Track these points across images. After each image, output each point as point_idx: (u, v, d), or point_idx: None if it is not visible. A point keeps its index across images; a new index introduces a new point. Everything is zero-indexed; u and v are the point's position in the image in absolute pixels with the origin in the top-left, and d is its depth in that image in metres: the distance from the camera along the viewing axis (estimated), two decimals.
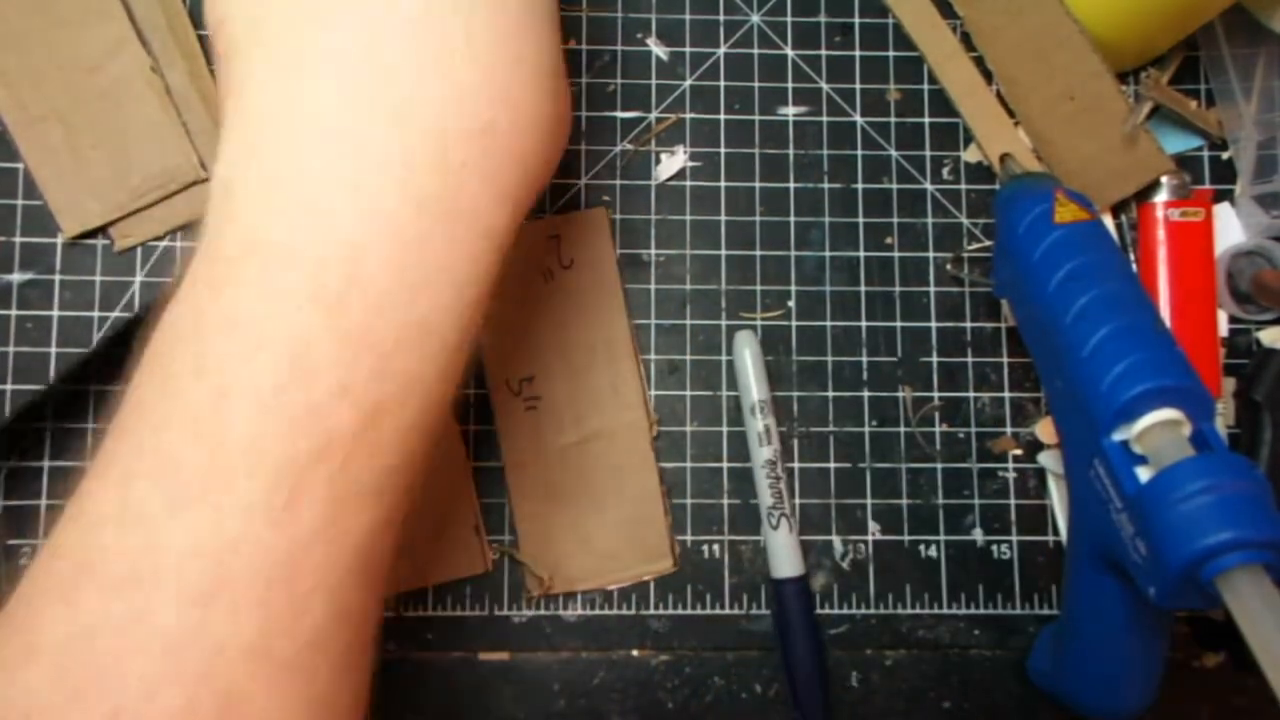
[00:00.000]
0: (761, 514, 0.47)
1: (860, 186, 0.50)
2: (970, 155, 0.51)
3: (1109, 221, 0.50)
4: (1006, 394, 0.49)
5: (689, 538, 0.48)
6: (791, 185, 0.50)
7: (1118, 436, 0.35)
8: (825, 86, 0.51)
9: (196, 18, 0.49)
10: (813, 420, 0.49)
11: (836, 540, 0.48)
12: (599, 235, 0.49)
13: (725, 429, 0.48)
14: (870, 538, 0.48)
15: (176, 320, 0.31)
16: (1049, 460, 0.48)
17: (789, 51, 0.51)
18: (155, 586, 0.27)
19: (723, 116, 0.50)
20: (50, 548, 0.29)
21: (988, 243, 0.50)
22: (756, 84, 0.50)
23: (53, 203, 0.47)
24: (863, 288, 0.50)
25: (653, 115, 0.50)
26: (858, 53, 0.51)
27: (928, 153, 0.51)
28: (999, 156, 0.49)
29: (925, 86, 0.51)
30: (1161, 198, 0.49)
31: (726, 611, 0.48)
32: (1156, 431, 0.34)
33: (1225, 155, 0.51)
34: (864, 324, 0.49)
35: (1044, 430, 0.49)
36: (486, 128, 0.31)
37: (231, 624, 0.27)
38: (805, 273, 0.50)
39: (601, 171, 0.50)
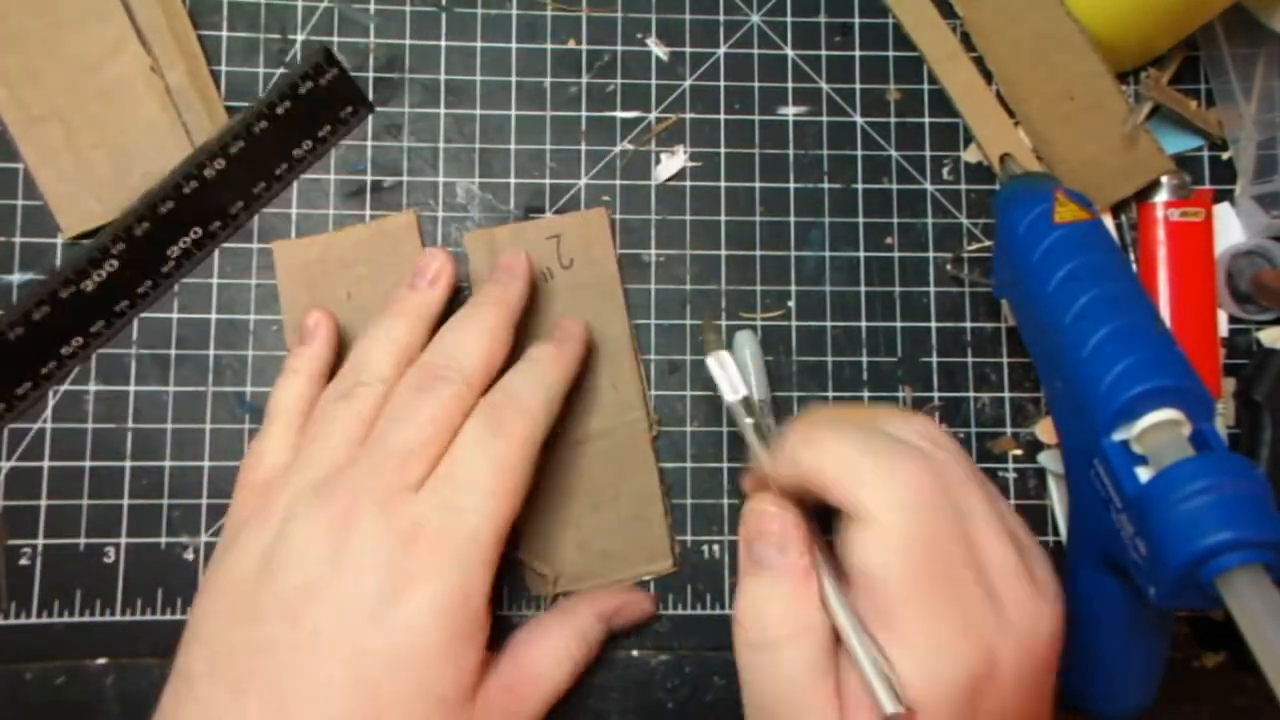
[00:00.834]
0: None
1: (860, 186, 0.50)
2: (970, 155, 0.51)
3: (1109, 221, 0.50)
4: (1006, 394, 0.49)
5: (689, 538, 0.48)
6: (791, 185, 0.50)
7: (1118, 436, 0.35)
8: (825, 86, 0.51)
9: (196, 18, 0.49)
10: None
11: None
12: (599, 235, 0.49)
13: (725, 429, 0.48)
14: None
15: None
16: (1049, 460, 0.48)
17: (789, 51, 0.51)
18: None
19: (723, 116, 0.50)
20: None
21: (988, 243, 0.50)
22: (756, 84, 0.50)
23: (53, 202, 0.47)
24: (863, 288, 0.50)
25: (653, 115, 0.50)
26: (858, 53, 0.51)
27: (928, 153, 0.51)
28: (999, 156, 0.49)
29: (925, 86, 0.51)
30: (1161, 198, 0.49)
31: (726, 611, 0.48)
32: (1156, 431, 0.34)
33: (1225, 155, 0.51)
34: (864, 324, 0.49)
35: (1044, 430, 0.49)
36: None
37: None
38: (805, 273, 0.50)
39: (601, 171, 0.50)
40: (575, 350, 0.45)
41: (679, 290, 0.49)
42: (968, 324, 0.50)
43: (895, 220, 0.50)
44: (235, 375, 0.48)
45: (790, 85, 0.51)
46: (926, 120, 0.51)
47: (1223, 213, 0.50)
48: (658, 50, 0.50)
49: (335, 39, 0.49)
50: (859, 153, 0.50)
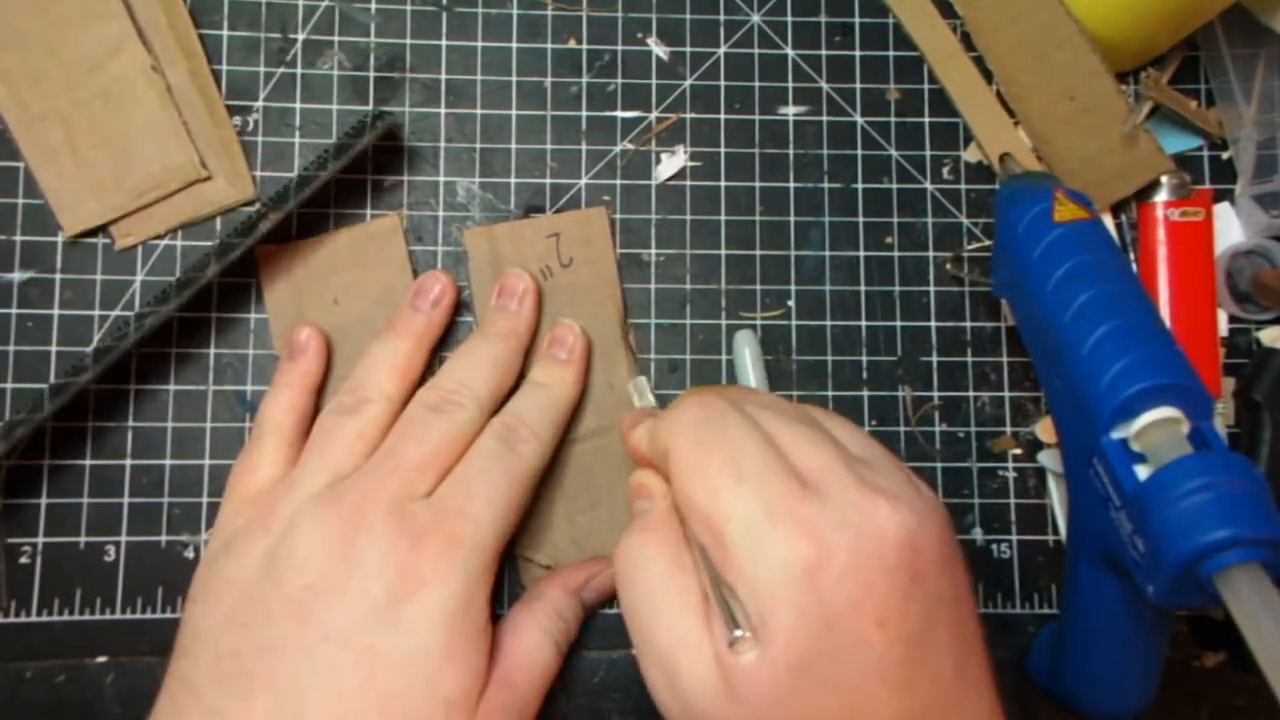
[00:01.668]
0: None
1: (860, 186, 0.50)
2: (970, 155, 0.51)
3: (1109, 221, 0.50)
4: (1006, 393, 0.49)
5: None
6: (791, 185, 0.50)
7: (1117, 435, 0.35)
8: (825, 86, 0.51)
9: (197, 16, 0.49)
10: None
11: None
12: (599, 234, 0.49)
13: None
14: None
15: None
16: (1048, 459, 0.48)
17: (789, 51, 0.51)
18: None
19: (723, 116, 0.50)
20: None
21: (987, 242, 0.50)
22: (756, 84, 0.51)
23: (53, 202, 0.47)
24: (862, 287, 0.50)
25: (653, 115, 0.50)
26: (858, 53, 0.51)
27: (928, 152, 0.51)
28: (999, 156, 0.49)
29: (925, 86, 0.51)
30: (1161, 197, 0.49)
31: None
32: (1155, 429, 0.34)
33: (1225, 155, 0.51)
34: (864, 323, 0.49)
35: (1044, 429, 0.49)
36: None
37: None
38: (805, 272, 0.50)
39: (601, 171, 0.50)
40: (579, 371, 0.47)
41: (679, 290, 0.49)
42: (968, 323, 0.50)
43: (895, 220, 0.50)
44: (235, 374, 0.48)
45: (790, 85, 0.51)
46: (926, 120, 0.51)
47: (1223, 213, 0.50)
48: (658, 50, 0.50)
49: (335, 38, 0.49)
50: (859, 152, 0.50)
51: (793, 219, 0.50)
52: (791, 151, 0.50)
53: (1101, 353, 0.36)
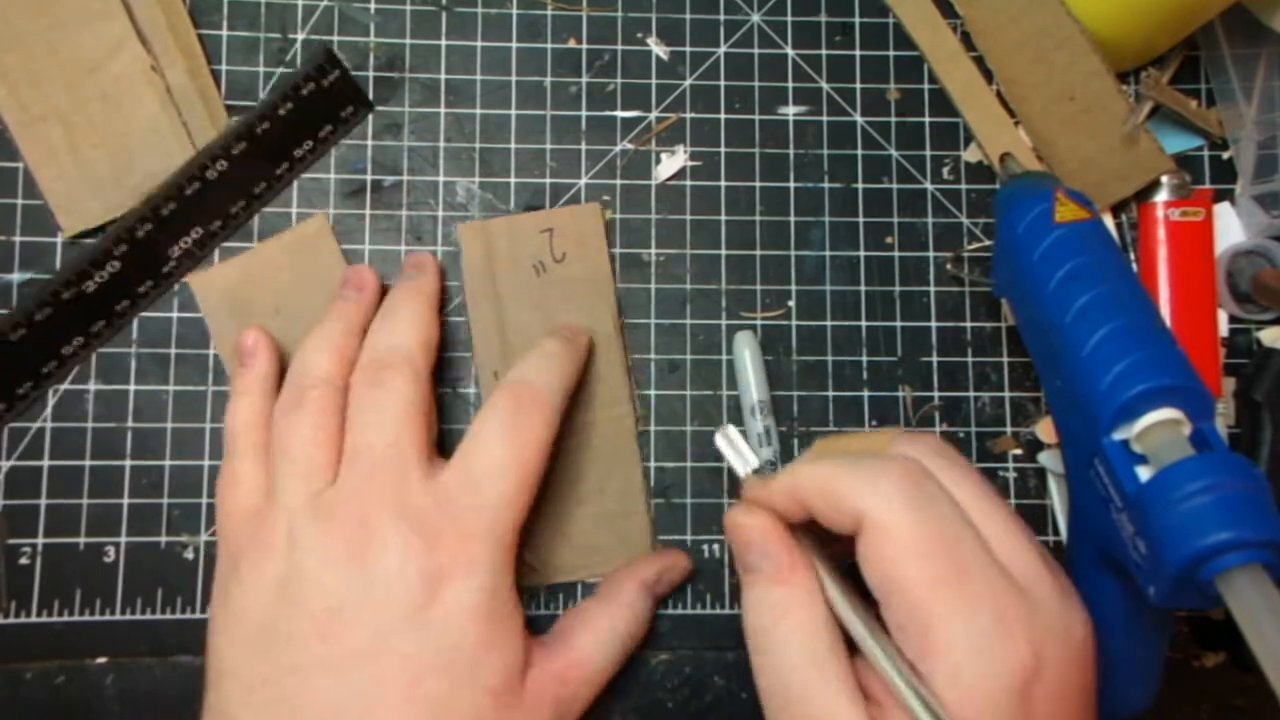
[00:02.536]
0: None
1: (860, 186, 0.50)
2: (970, 155, 0.51)
3: (1109, 221, 0.50)
4: (1007, 393, 0.49)
5: (689, 538, 0.48)
6: (791, 185, 0.50)
7: (1118, 436, 0.35)
8: (825, 86, 0.51)
9: (196, 16, 0.49)
10: (813, 420, 0.49)
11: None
12: (592, 230, 0.49)
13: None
14: None
15: None
16: (1049, 460, 0.48)
17: (789, 51, 0.51)
18: None
19: (723, 116, 0.50)
20: None
21: (988, 242, 0.50)
22: (756, 84, 0.50)
23: (53, 202, 0.47)
24: (863, 287, 0.50)
25: (653, 115, 0.50)
26: (858, 52, 0.51)
27: (928, 152, 0.51)
28: (999, 156, 0.49)
29: (925, 86, 0.51)
30: (1162, 197, 0.49)
31: (727, 611, 0.48)
32: (1156, 431, 0.34)
33: (1225, 155, 0.51)
34: (864, 324, 0.49)
35: (1044, 430, 0.49)
36: None
37: None
38: (805, 272, 0.50)
39: (601, 171, 0.50)
40: (584, 345, 0.46)
41: (679, 290, 0.49)
42: (968, 323, 0.50)
43: (895, 220, 0.50)
44: None
45: (790, 85, 0.51)
46: (927, 120, 0.51)
47: (1223, 213, 0.50)
48: (658, 50, 0.50)
49: (335, 38, 0.49)
50: (859, 152, 0.50)
51: (793, 219, 0.50)
52: (791, 151, 0.50)
53: (1102, 354, 0.36)
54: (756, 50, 0.51)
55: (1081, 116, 0.49)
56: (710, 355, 0.49)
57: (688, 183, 0.50)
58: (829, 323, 0.49)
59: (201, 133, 0.48)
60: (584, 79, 0.50)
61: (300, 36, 0.49)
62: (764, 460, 0.47)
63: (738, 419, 0.48)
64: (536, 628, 0.46)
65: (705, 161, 0.50)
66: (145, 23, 0.47)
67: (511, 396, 0.41)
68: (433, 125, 0.49)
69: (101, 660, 0.46)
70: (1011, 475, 0.49)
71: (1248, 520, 0.31)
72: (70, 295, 0.45)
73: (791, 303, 0.49)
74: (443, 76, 0.50)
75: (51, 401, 0.47)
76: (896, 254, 0.50)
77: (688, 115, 0.50)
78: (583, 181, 0.49)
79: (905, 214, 0.50)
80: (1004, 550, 0.34)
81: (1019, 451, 0.49)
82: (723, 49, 0.50)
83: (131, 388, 0.47)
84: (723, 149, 0.50)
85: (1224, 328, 0.50)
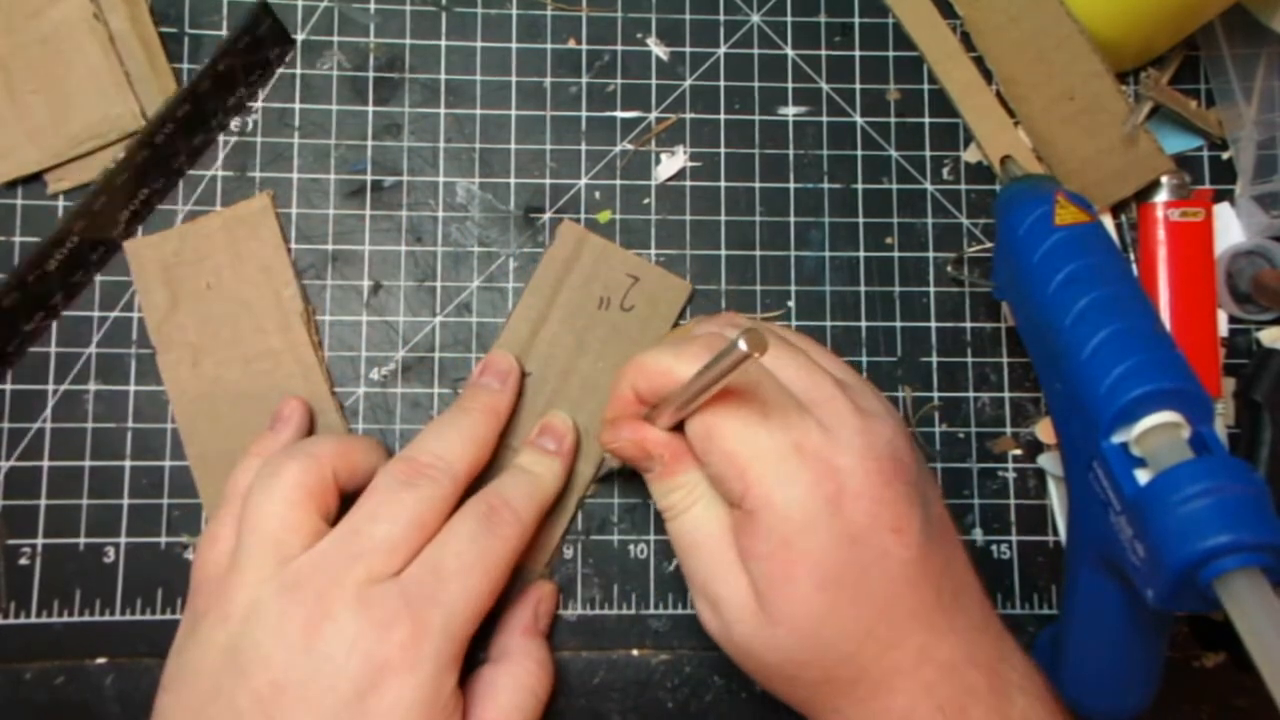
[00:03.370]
0: None
1: (860, 187, 0.50)
2: (970, 155, 0.50)
3: (1109, 221, 0.50)
4: (1006, 394, 0.49)
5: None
6: (791, 185, 0.50)
7: (1117, 439, 0.35)
8: (825, 86, 0.51)
9: (197, 17, 0.49)
10: None
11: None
12: (671, 302, 0.49)
13: None
14: None
15: None
16: (1048, 462, 0.48)
17: (789, 51, 0.51)
18: None
19: (723, 116, 0.50)
20: None
21: (988, 243, 0.50)
22: (756, 84, 0.50)
23: None
24: (862, 288, 0.50)
25: (653, 115, 0.50)
26: (858, 53, 0.51)
27: (928, 153, 0.51)
28: (1000, 158, 0.49)
29: (925, 86, 0.51)
30: (1161, 198, 0.49)
31: None
32: (1155, 434, 0.34)
33: (1225, 155, 0.51)
34: (864, 324, 0.49)
35: (1044, 430, 0.49)
36: None
37: None
38: (805, 273, 0.50)
39: (601, 172, 0.50)
40: (566, 465, 0.46)
41: None
42: (968, 324, 0.50)
43: (895, 220, 0.50)
44: None
45: (790, 85, 0.51)
46: (926, 120, 0.51)
47: (1223, 213, 0.50)
48: (658, 50, 0.50)
49: (335, 38, 0.49)
50: (859, 153, 0.50)
51: (792, 219, 0.50)
52: (791, 152, 0.50)
53: (1102, 357, 0.36)
54: (756, 51, 0.51)
55: (1081, 116, 0.49)
56: None
57: (687, 183, 0.50)
58: (829, 323, 0.49)
59: (143, 81, 0.47)
60: (584, 79, 0.50)
61: (301, 37, 0.49)
62: None
63: None
64: (560, 629, 0.46)
65: (705, 162, 0.50)
66: None
67: (487, 508, 0.41)
68: (433, 126, 0.49)
69: (101, 661, 0.46)
70: (1011, 476, 0.49)
71: (1246, 523, 0.31)
72: (34, 277, 0.45)
73: (791, 303, 0.49)
74: (443, 77, 0.50)
75: (51, 401, 0.47)
76: (896, 254, 0.50)
77: (687, 116, 0.50)
78: (582, 182, 0.49)
79: (905, 214, 0.50)
80: (799, 387, 0.38)
81: (1019, 452, 0.49)
82: (722, 49, 0.50)
83: (131, 388, 0.47)
84: (722, 149, 0.50)
85: (1224, 328, 0.50)
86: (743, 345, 0.32)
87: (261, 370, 0.47)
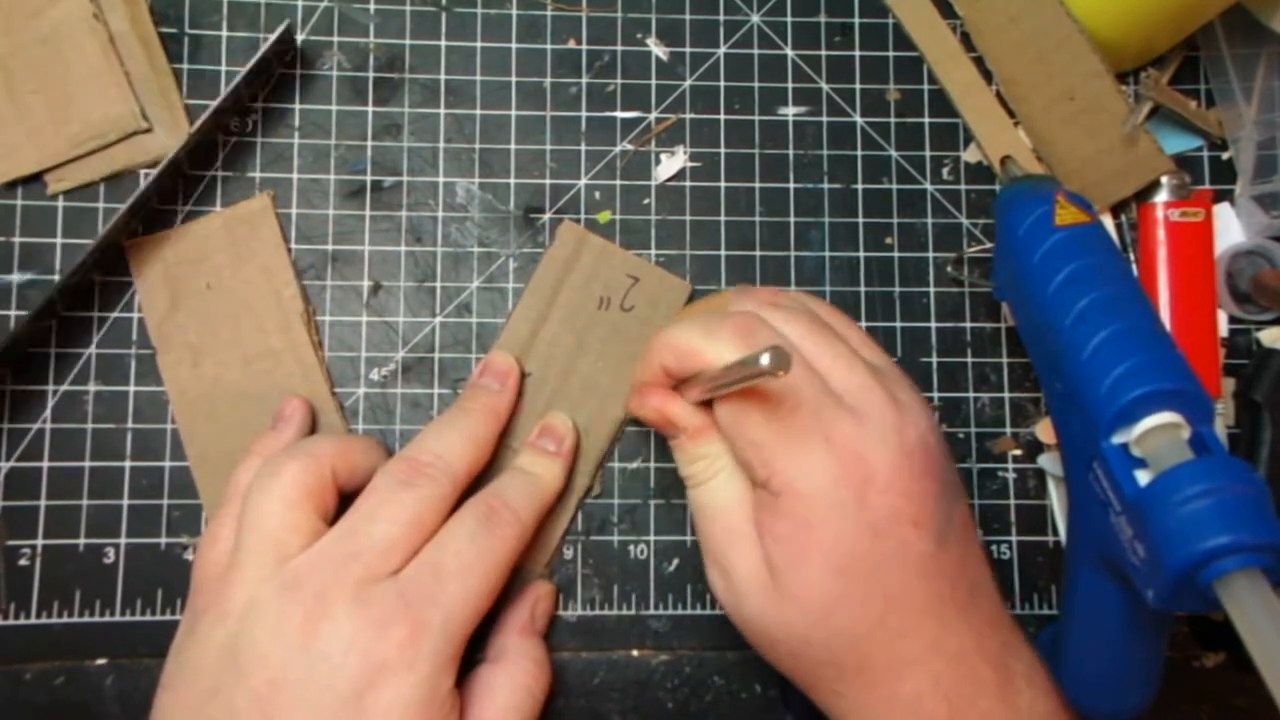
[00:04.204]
0: None
1: (860, 187, 0.50)
2: (970, 155, 0.50)
3: (1109, 222, 0.50)
4: (1006, 394, 0.49)
5: (688, 538, 0.48)
6: (791, 186, 0.50)
7: (1117, 439, 0.35)
8: (825, 86, 0.51)
9: (197, 17, 0.49)
10: None
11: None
12: (671, 303, 0.49)
13: None
14: None
15: None
16: (1048, 462, 0.48)
17: (789, 51, 0.51)
18: None
19: (723, 117, 0.50)
20: None
21: (988, 244, 0.50)
22: (756, 84, 0.50)
23: None
24: (862, 288, 0.50)
25: (653, 115, 0.50)
26: (858, 53, 0.51)
27: (927, 153, 0.50)
28: (1000, 159, 0.49)
29: (925, 86, 0.51)
30: (1161, 198, 0.49)
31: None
32: (1156, 435, 0.34)
33: (1225, 155, 0.51)
34: (864, 324, 0.49)
35: (1044, 430, 0.49)
36: None
37: None
38: (805, 273, 0.50)
39: (601, 172, 0.50)
40: (566, 465, 0.46)
41: None
42: (968, 324, 0.50)
43: (895, 220, 0.50)
44: None
45: (790, 85, 0.51)
46: (926, 120, 0.51)
47: (1223, 213, 0.50)
48: (658, 50, 0.50)
49: (335, 39, 0.49)
50: (859, 153, 0.50)
51: (792, 220, 0.50)
52: (791, 152, 0.50)
53: (1102, 357, 0.36)
54: (756, 51, 0.51)
55: (1081, 116, 0.49)
56: None
57: (687, 183, 0.50)
58: None
59: (142, 81, 0.47)
60: (584, 80, 0.50)
61: (301, 37, 0.49)
62: None
63: None
64: (559, 629, 0.46)
65: (705, 162, 0.50)
66: None
67: (487, 508, 0.41)
68: (432, 126, 0.49)
69: (101, 661, 0.46)
70: (1011, 476, 0.49)
71: (1246, 524, 0.31)
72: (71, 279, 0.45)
73: None
74: (442, 77, 0.50)
75: (51, 402, 0.47)
76: (896, 254, 0.50)
77: (687, 116, 0.50)
78: (582, 182, 0.49)
79: (905, 214, 0.50)
80: (834, 377, 0.38)
81: (1018, 452, 0.49)
82: (722, 50, 0.50)
83: (131, 389, 0.47)
84: (722, 150, 0.50)
85: (1224, 328, 0.50)
86: (765, 362, 0.31)
87: (261, 370, 0.47)
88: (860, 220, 0.50)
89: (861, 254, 0.50)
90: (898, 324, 0.50)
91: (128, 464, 0.47)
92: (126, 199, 0.46)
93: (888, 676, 0.36)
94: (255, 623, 0.37)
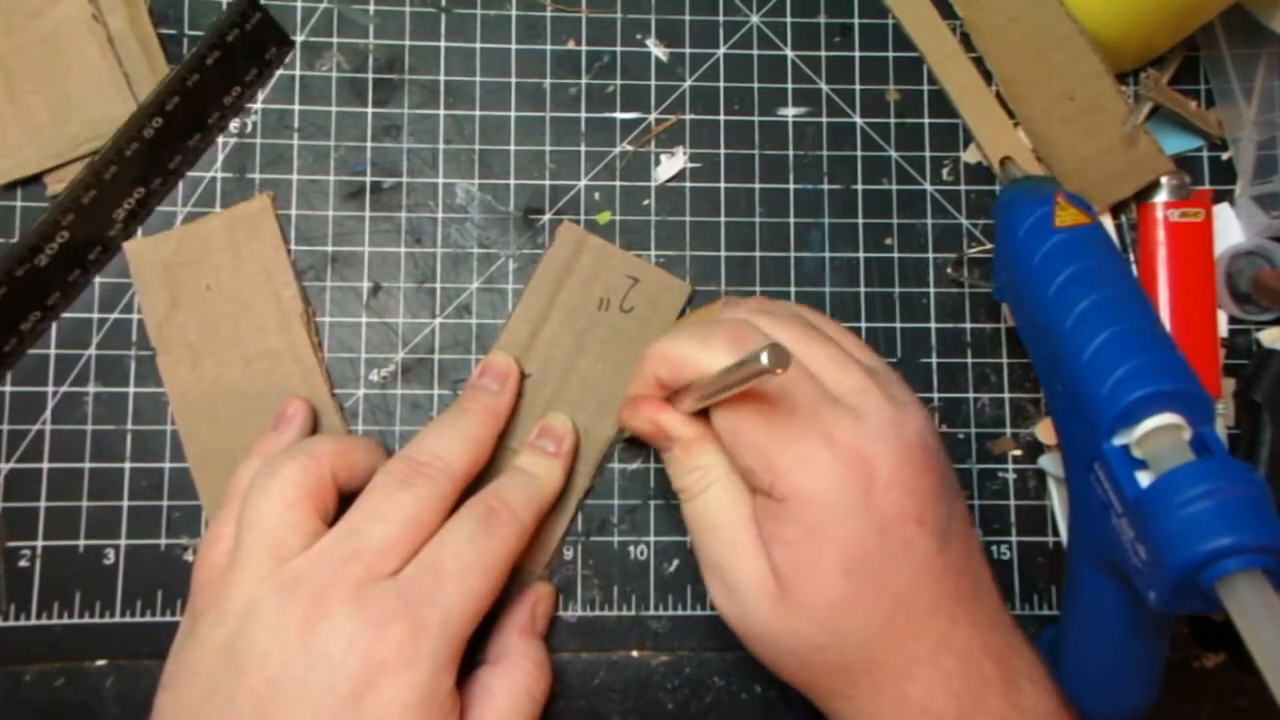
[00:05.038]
0: None
1: (860, 187, 0.50)
2: (970, 156, 0.50)
3: (1109, 222, 0.50)
4: (1006, 395, 0.49)
5: (688, 539, 0.48)
6: (791, 186, 0.50)
7: (1118, 441, 0.35)
8: (825, 87, 0.51)
9: (195, 18, 0.49)
10: None
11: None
12: (671, 305, 0.49)
13: None
14: None
15: None
16: (1049, 463, 0.48)
17: (789, 52, 0.51)
18: None
19: (722, 117, 0.50)
20: None
21: (988, 244, 0.50)
22: (756, 85, 0.50)
23: None
24: (862, 289, 0.50)
25: (652, 116, 0.50)
26: (857, 53, 0.51)
27: (927, 153, 0.50)
28: (1000, 160, 0.49)
29: (925, 87, 0.51)
30: (1161, 198, 0.49)
31: None
32: (1157, 436, 0.34)
33: (1225, 155, 0.51)
34: (864, 325, 0.49)
35: (1044, 431, 0.49)
36: None
37: None
38: (805, 274, 0.50)
39: (601, 173, 0.50)
40: (566, 466, 0.46)
41: None
42: (967, 325, 0.50)
43: (895, 221, 0.50)
44: None
45: (790, 86, 0.51)
46: (926, 121, 0.51)
47: (1223, 213, 0.50)
48: (657, 51, 0.50)
49: (335, 39, 0.49)
50: (859, 153, 0.50)
51: (792, 220, 0.50)
52: (791, 153, 0.50)
53: (1103, 358, 0.36)
54: (756, 51, 0.51)
55: (1081, 117, 0.49)
56: None
57: (687, 184, 0.50)
58: None
59: (141, 82, 0.47)
60: (583, 80, 0.50)
61: (300, 38, 0.49)
62: None
63: None
64: (560, 630, 0.46)
65: (704, 163, 0.50)
66: None
67: (486, 509, 0.41)
68: (432, 127, 0.49)
69: (101, 663, 0.46)
70: (1011, 477, 0.49)
71: (1248, 525, 0.31)
72: (24, 271, 0.45)
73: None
74: (442, 78, 0.50)
75: (51, 403, 0.47)
76: (896, 255, 0.50)
77: (687, 117, 0.50)
78: (582, 183, 0.49)
79: (904, 215, 0.50)
80: (830, 379, 0.38)
81: (1019, 453, 0.49)
82: (722, 50, 0.50)
83: (131, 390, 0.47)
84: (722, 150, 0.50)
85: (1224, 328, 0.50)
86: (765, 360, 0.31)
87: (261, 371, 0.47)
88: (860, 221, 0.50)
89: (861, 255, 0.50)
90: (898, 325, 0.50)
91: (127, 465, 0.47)
92: (119, 195, 0.46)
93: (899, 676, 0.36)
94: (255, 623, 0.37)
